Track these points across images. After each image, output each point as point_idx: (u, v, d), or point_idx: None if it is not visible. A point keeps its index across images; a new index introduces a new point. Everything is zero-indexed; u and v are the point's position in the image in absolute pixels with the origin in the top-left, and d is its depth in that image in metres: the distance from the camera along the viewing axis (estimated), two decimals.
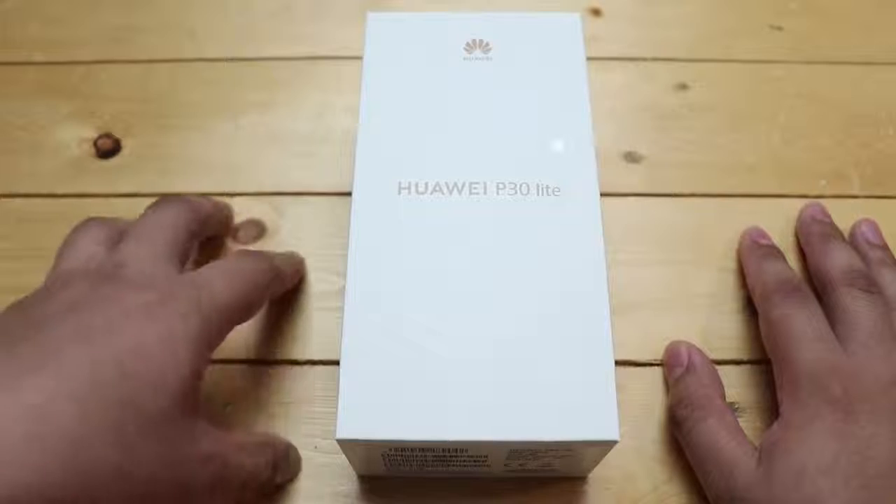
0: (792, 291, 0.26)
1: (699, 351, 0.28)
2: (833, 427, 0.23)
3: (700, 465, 0.25)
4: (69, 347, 0.19)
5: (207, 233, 0.27)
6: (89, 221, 0.25)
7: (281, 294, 0.28)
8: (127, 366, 0.19)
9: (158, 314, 0.21)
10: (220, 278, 0.23)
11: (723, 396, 0.26)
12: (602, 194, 0.24)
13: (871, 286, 0.26)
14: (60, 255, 0.24)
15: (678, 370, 0.27)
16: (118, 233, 0.25)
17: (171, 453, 0.20)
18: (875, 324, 0.25)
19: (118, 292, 0.21)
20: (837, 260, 0.28)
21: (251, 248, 0.31)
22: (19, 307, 0.22)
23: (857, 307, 0.25)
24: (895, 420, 0.23)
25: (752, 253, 0.29)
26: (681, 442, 0.26)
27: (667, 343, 0.29)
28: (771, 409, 0.27)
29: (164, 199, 0.26)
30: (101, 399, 0.19)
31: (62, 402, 0.18)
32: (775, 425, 0.24)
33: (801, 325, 0.25)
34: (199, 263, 0.25)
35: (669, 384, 0.28)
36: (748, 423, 0.27)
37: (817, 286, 0.28)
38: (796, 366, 0.24)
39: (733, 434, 0.24)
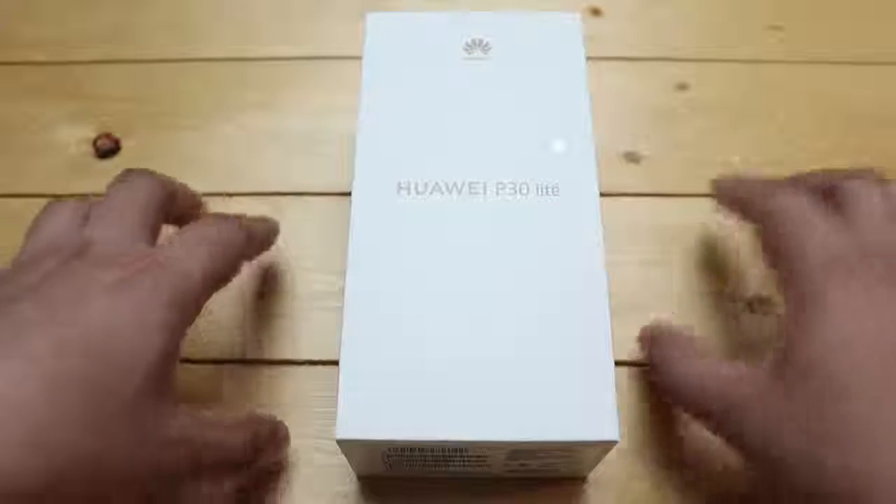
0: (784, 185, 0.24)
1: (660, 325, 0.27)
2: (854, 304, 0.21)
3: (703, 411, 0.23)
4: (35, 329, 0.19)
5: (176, 211, 0.26)
6: (55, 203, 0.24)
7: (254, 257, 0.27)
8: (96, 346, 0.19)
9: (128, 292, 0.20)
10: (189, 250, 0.22)
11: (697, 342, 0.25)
12: (602, 194, 0.24)
13: (870, 176, 0.24)
14: (27, 236, 0.24)
15: (645, 349, 0.26)
16: (85, 211, 0.24)
17: (144, 436, 0.19)
18: (883, 203, 0.23)
19: (86, 270, 0.20)
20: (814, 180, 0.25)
21: None
22: None
23: (861, 190, 0.23)
24: None
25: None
26: (671, 396, 0.25)
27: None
28: None
29: (131, 172, 0.25)
30: (69, 382, 0.18)
31: (28, 386, 0.17)
32: (781, 333, 0.22)
33: (809, 210, 0.23)
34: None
35: (650, 362, 0.26)
36: None
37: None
38: (808, 256, 0.22)
39: (721, 361, 0.23)
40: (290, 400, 0.28)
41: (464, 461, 0.23)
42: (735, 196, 0.27)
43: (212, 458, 0.22)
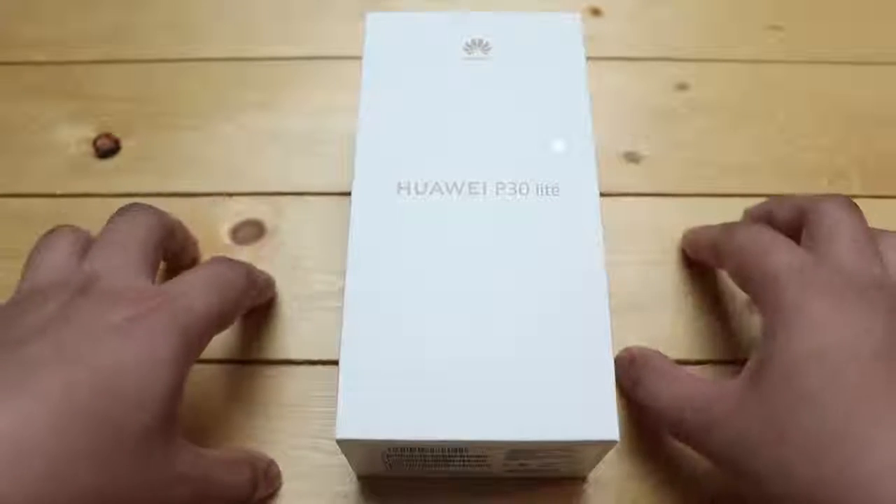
0: (742, 222, 0.25)
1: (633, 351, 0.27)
2: (825, 312, 0.20)
3: (679, 429, 0.23)
4: (45, 368, 0.19)
5: (174, 247, 0.27)
6: (51, 236, 0.24)
7: (254, 307, 0.28)
8: (105, 384, 0.19)
9: (136, 331, 0.20)
10: (197, 289, 0.22)
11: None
12: (602, 194, 0.24)
13: (848, 203, 0.24)
14: (29, 265, 0.24)
15: (630, 371, 0.26)
16: (83, 243, 0.24)
17: (150, 473, 0.20)
18: (857, 229, 0.23)
19: (93, 307, 0.21)
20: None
21: (250, 248, 0.31)
22: None
23: (832, 215, 0.23)
24: (893, 310, 0.21)
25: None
26: (653, 417, 0.25)
27: (666, 343, 0.29)
28: None
29: (131, 207, 0.25)
30: (79, 421, 0.18)
31: (38, 425, 0.18)
32: (758, 348, 0.22)
33: (771, 237, 0.23)
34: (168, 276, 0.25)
35: (632, 395, 0.26)
36: None
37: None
38: (774, 270, 0.22)
39: (696, 378, 0.24)
40: (289, 400, 0.28)
41: (464, 461, 0.23)
42: (700, 246, 0.28)
43: (215, 496, 0.22)
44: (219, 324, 0.23)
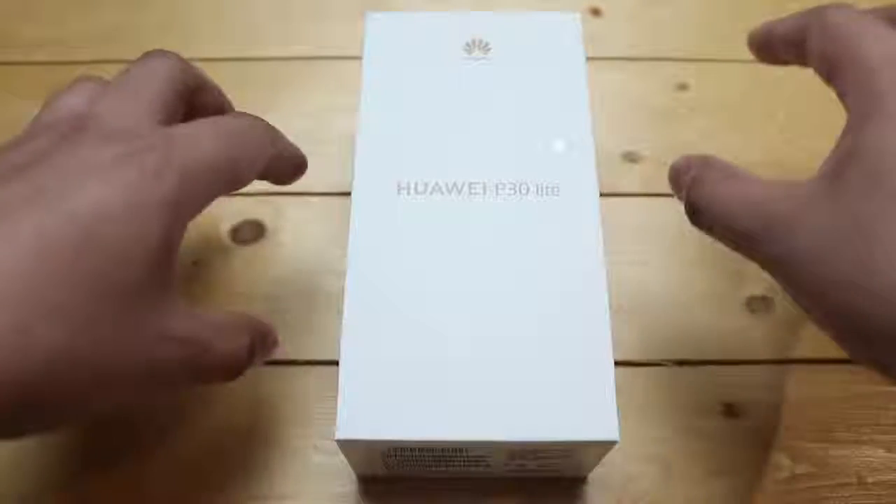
0: (852, 10, 0.21)
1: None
2: None
3: (738, 232, 0.20)
4: (18, 211, 0.16)
5: (200, 103, 0.24)
6: (82, 77, 0.22)
7: (278, 179, 0.25)
8: (84, 234, 0.17)
9: (124, 170, 0.18)
10: (206, 133, 0.20)
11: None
12: (602, 194, 0.24)
13: None
14: (43, 105, 0.21)
15: (681, 177, 0.23)
16: (105, 87, 0.21)
17: (137, 332, 0.17)
18: None
19: (83, 146, 0.18)
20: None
21: (250, 248, 0.31)
22: None
23: None
24: None
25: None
26: (719, 239, 0.22)
27: (666, 343, 0.29)
28: (775, 406, 0.27)
29: (154, 52, 0.22)
30: (52, 271, 0.16)
31: (4, 272, 0.16)
32: (838, 145, 0.19)
33: (869, 20, 0.20)
34: None
35: (685, 196, 0.23)
36: (750, 426, 0.27)
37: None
38: (868, 55, 0.19)
39: (762, 179, 0.21)
40: (290, 400, 0.28)
41: (464, 461, 0.23)
42: (775, 36, 0.24)
43: (206, 363, 0.20)
44: (228, 176, 0.20)
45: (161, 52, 0.22)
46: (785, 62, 0.25)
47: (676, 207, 0.32)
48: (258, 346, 0.22)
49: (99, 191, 0.17)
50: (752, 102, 0.35)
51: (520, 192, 0.24)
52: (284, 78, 0.36)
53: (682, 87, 0.36)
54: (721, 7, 0.38)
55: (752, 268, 0.31)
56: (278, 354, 0.24)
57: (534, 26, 0.28)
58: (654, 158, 0.34)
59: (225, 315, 0.21)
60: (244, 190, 0.32)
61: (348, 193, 0.24)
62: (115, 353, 0.17)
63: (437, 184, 0.24)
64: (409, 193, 0.24)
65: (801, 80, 0.36)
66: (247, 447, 0.27)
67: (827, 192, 0.18)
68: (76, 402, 0.17)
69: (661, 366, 0.29)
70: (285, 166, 0.24)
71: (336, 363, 0.22)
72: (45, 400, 0.16)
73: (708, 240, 0.31)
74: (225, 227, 0.32)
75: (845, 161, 0.18)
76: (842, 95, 0.21)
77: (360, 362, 0.22)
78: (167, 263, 0.18)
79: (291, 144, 0.24)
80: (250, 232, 0.31)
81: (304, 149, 0.34)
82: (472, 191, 0.24)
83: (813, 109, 0.35)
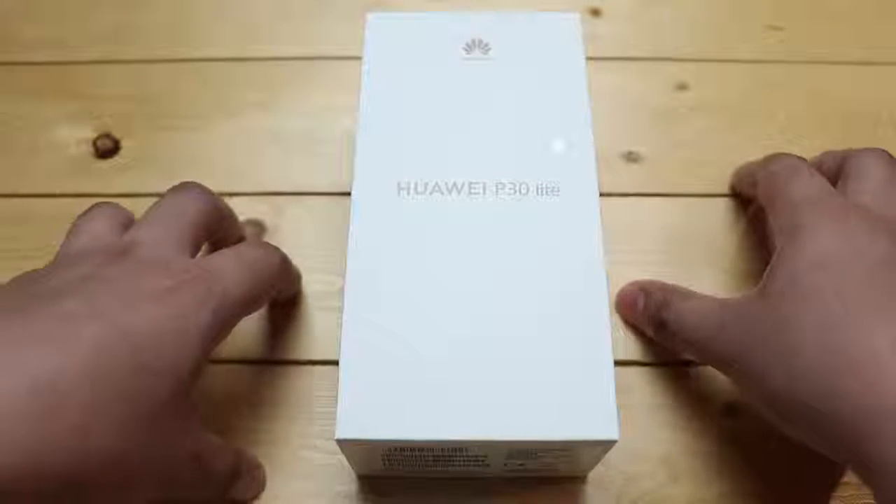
0: (792, 160, 0.26)
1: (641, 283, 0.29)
2: (830, 230, 0.22)
3: (695, 338, 0.25)
4: (79, 322, 0.18)
5: (220, 232, 0.26)
6: (99, 205, 0.24)
7: (283, 299, 0.28)
8: (135, 350, 0.19)
9: (171, 301, 0.20)
10: (233, 270, 0.22)
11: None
12: (601, 194, 0.24)
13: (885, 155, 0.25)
14: (69, 233, 0.23)
15: (640, 300, 0.28)
16: (127, 218, 0.24)
17: (166, 446, 0.20)
18: (886, 176, 0.24)
19: (133, 271, 0.20)
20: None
21: None
22: (27, 278, 0.21)
23: (867, 161, 0.24)
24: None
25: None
26: (676, 345, 0.27)
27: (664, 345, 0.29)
28: None
29: (184, 185, 0.25)
30: (109, 379, 0.18)
31: (72, 377, 0.17)
32: (770, 262, 0.23)
33: (802, 167, 0.25)
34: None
35: (640, 320, 0.28)
36: (748, 426, 0.27)
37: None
38: (792, 196, 0.24)
39: (714, 297, 0.25)
40: (290, 400, 0.28)
41: (464, 461, 0.23)
42: (742, 176, 0.31)
43: (209, 479, 0.22)
44: (251, 307, 0.23)
45: (191, 187, 0.25)
46: (750, 196, 0.30)
47: (676, 207, 0.32)
48: (243, 471, 0.24)
49: (148, 315, 0.19)
50: (752, 102, 0.35)
51: (520, 192, 0.24)
52: (284, 78, 0.36)
53: (682, 87, 0.36)
54: (721, 7, 0.38)
55: (752, 268, 0.31)
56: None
57: (533, 26, 0.28)
58: (653, 158, 0.34)
59: (218, 440, 0.23)
60: (244, 190, 0.33)
61: (348, 193, 0.24)
62: (148, 461, 0.19)
63: (437, 184, 0.24)
64: (409, 193, 0.24)
65: (801, 80, 0.36)
66: (247, 447, 0.27)
67: (759, 299, 0.22)
68: (111, 497, 0.19)
69: (661, 366, 0.29)
70: (291, 285, 0.28)
71: (336, 363, 0.22)
72: (88, 495, 0.18)
73: (708, 239, 0.31)
74: None
75: (771, 275, 0.22)
76: (774, 225, 0.24)
77: (359, 362, 0.22)
78: (193, 385, 0.21)
79: (295, 266, 0.28)
80: (250, 232, 0.31)
81: (305, 149, 0.34)
82: (472, 191, 0.24)
83: (813, 109, 0.35)
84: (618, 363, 0.22)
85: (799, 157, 0.26)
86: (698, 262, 0.31)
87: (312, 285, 0.30)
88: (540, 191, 0.24)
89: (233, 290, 0.22)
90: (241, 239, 0.28)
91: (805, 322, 0.20)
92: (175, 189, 0.25)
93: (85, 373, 0.18)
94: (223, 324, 0.22)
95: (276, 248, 0.25)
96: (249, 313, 0.23)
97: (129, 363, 0.18)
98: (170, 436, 0.20)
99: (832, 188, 0.24)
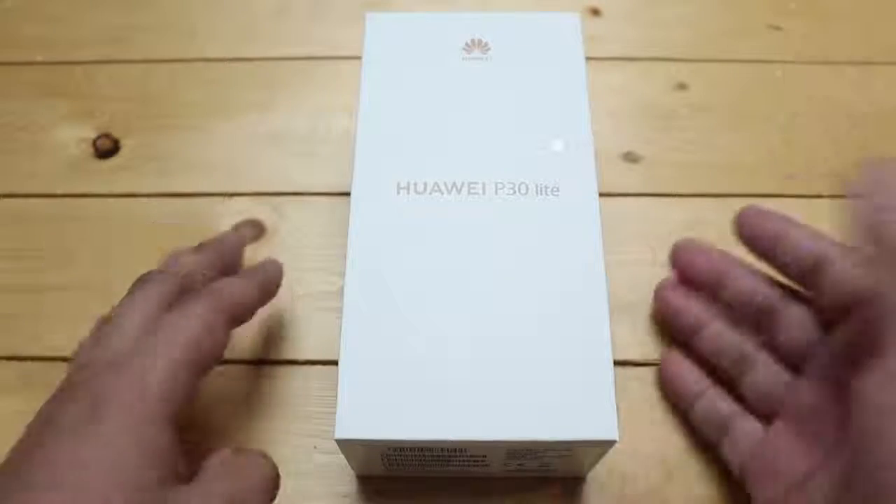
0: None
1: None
2: None
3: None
4: (94, 418, 0.19)
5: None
6: (147, 280, 0.23)
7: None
8: (141, 439, 0.19)
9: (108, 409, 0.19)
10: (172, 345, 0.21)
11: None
12: (601, 194, 0.24)
13: None
14: (114, 318, 0.22)
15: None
16: (177, 292, 0.23)
17: None
18: None
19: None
20: None
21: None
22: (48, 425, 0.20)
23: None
24: None
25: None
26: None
27: (664, 345, 0.29)
28: None
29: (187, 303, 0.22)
30: (128, 467, 0.19)
31: (95, 469, 0.18)
32: (871, 375, 0.19)
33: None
34: None
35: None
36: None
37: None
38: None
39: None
40: (290, 400, 0.28)
41: (463, 461, 0.23)
42: (780, 246, 0.25)
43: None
44: (203, 363, 0.22)
45: (195, 304, 0.22)
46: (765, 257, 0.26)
47: (676, 207, 0.32)
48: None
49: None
50: (752, 102, 0.35)
51: (519, 191, 0.24)
52: (284, 78, 0.36)
53: (682, 87, 0.36)
54: (721, 7, 0.38)
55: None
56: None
57: (533, 26, 0.28)
58: (653, 158, 0.34)
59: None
60: (244, 189, 0.33)
61: (348, 193, 0.24)
62: None
63: (436, 184, 0.24)
64: (408, 193, 0.24)
65: (801, 80, 0.36)
66: (247, 446, 0.27)
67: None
68: None
69: (660, 366, 0.29)
70: (249, 315, 0.25)
71: (336, 363, 0.22)
72: None
73: (707, 240, 0.31)
74: (225, 226, 0.32)
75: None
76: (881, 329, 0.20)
77: (359, 362, 0.22)
78: (175, 459, 0.20)
79: (271, 267, 0.27)
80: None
81: (304, 149, 0.34)
82: (472, 190, 0.24)
83: (813, 109, 0.35)
84: (617, 363, 0.22)
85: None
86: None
87: (312, 285, 0.30)
88: (539, 191, 0.24)
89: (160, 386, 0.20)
90: (237, 266, 0.28)
91: None
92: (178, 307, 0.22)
93: (109, 465, 0.18)
94: (177, 398, 0.20)
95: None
96: (208, 367, 0.22)
97: (138, 453, 0.19)
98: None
99: None
